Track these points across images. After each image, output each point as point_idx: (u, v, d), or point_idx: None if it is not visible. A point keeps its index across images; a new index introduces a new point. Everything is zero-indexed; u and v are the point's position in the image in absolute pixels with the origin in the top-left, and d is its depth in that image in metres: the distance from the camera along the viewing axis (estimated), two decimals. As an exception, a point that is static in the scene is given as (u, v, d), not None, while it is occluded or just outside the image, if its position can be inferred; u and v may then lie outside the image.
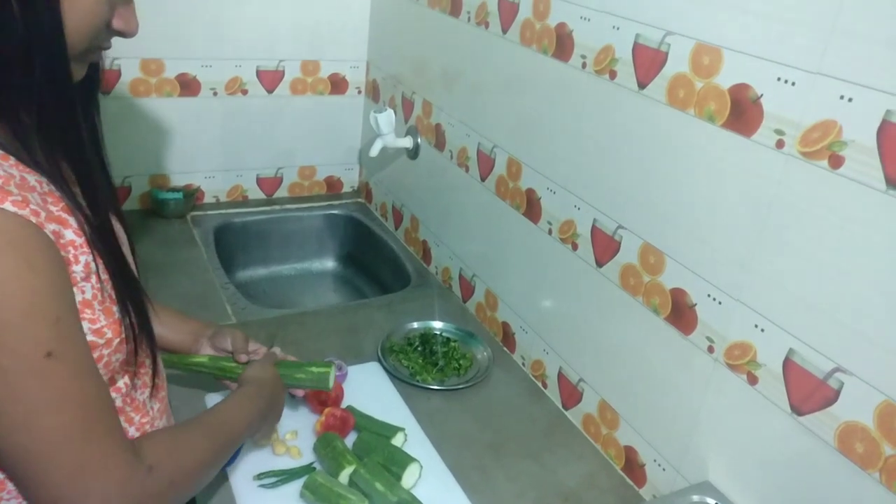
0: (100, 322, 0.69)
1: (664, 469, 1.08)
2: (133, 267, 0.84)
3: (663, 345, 1.05)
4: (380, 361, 1.36)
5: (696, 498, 0.96)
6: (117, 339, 0.71)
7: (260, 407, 0.95)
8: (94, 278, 0.68)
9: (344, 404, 1.22)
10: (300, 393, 1.16)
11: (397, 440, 1.14)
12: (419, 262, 1.78)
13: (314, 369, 1.10)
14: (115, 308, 0.71)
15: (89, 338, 0.68)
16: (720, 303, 0.94)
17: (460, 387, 1.32)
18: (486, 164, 1.45)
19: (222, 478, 1.05)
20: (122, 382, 0.77)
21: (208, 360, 1.08)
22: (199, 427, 0.83)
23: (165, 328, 1.07)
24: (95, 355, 0.69)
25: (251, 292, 1.78)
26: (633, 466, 1.14)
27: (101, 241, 0.69)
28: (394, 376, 1.32)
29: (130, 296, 0.73)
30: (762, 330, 0.89)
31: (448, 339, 1.44)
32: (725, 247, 0.93)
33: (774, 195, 0.85)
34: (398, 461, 1.07)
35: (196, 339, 1.10)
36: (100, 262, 0.69)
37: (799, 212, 0.83)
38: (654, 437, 1.09)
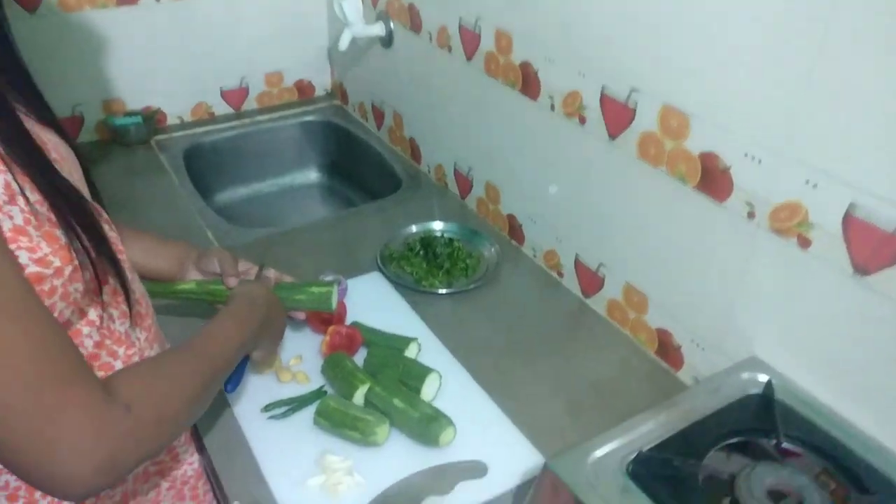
0: (41, 250, 0.58)
1: (703, 349, 1.00)
2: (84, 190, 0.72)
3: (693, 216, 0.94)
4: (380, 271, 1.26)
5: (745, 375, 0.88)
6: (69, 267, 0.60)
7: (251, 325, 0.85)
8: (21, 200, 0.56)
9: (348, 321, 1.12)
10: (301, 315, 1.06)
11: (410, 351, 1.05)
12: (408, 161, 1.65)
13: (314, 289, 1.00)
14: (58, 232, 0.59)
15: (32, 269, 0.57)
16: (760, 161, 0.83)
17: (470, 287, 1.23)
18: (470, 41, 1.29)
19: (224, 409, 0.97)
20: (95, 314, 0.68)
21: (196, 285, 0.98)
22: (183, 354, 0.73)
23: (144, 255, 0.97)
24: (46, 287, 0.59)
25: (233, 215, 1.65)
26: (667, 349, 1.06)
27: (20, 156, 0.57)
28: (398, 285, 1.23)
29: (76, 216, 0.62)
30: (814, 186, 0.78)
31: (451, 239, 1.33)
32: (766, 96, 0.80)
33: (827, 23, 0.72)
34: (415, 374, 0.99)
35: (181, 264, 1.00)
36: (26, 181, 0.58)
37: (857, 36, 0.70)
38: (690, 317, 1.01)
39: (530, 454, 0.91)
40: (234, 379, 0.89)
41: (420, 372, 0.99)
